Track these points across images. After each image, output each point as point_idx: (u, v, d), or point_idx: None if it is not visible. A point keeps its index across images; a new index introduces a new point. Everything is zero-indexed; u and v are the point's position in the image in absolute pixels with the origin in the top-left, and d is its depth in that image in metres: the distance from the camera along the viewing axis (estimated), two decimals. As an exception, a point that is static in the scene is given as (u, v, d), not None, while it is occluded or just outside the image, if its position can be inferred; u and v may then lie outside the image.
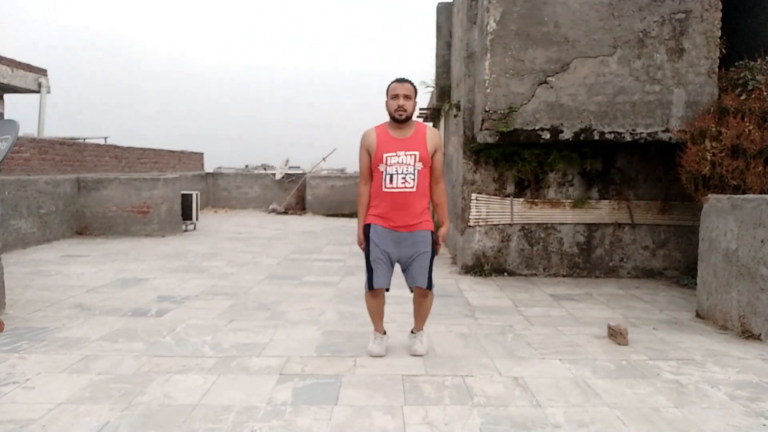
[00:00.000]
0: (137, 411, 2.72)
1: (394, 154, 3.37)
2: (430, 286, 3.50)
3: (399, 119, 3.39)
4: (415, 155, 3.37)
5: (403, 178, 3.35)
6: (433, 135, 3.49)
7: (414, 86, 3.45)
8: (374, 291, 3.55)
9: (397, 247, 3.45)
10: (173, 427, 2.56)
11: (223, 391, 2.98)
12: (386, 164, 3.37)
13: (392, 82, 3.45)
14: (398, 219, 3.40)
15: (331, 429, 2.57)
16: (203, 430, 2.54)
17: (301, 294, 5.28)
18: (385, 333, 3.69)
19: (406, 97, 3.37)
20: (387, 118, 3.51)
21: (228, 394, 2.94)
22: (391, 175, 3.36)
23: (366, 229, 3.50)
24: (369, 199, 3.53)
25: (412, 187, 3.36)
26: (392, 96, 3.39)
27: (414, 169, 3.36)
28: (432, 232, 3.49)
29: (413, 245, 3.43)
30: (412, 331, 3.73)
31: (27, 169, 9.48)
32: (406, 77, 3.47)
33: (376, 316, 3.67)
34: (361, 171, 3.57)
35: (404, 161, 3.36)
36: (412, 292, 3.61)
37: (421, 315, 3.67)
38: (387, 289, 3.58)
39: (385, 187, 3.38)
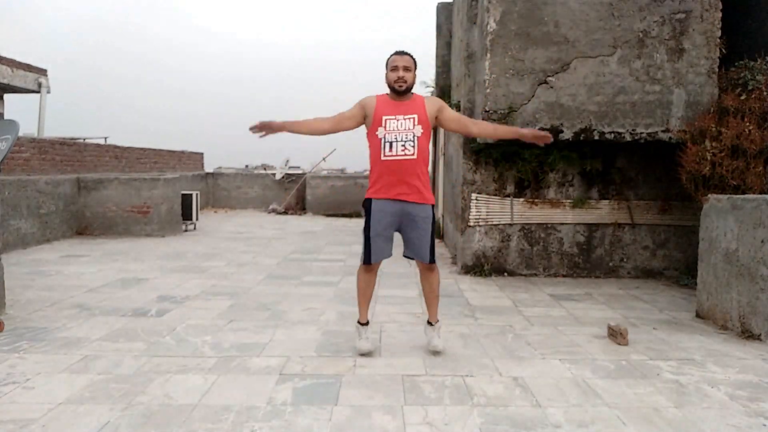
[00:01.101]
0: (137, 411, 2.72)
1: (393, 117, 3.36)
2: (432, 260, 3.51)
3: (399, 90, 3.39)
4: (414, 118, 3.36)
5: (403, 145, 3.33)
6: (430, 99, 3.53)
7: (413, 58, 3.46)
8: (370, 266, 3.53)
9: (399, 217, 3.43)
10: (173, 427, 2.56)
11: (223, 391, 2.98)
12: (385, 128, 3.34)
13: (391, 55, 3.45)
14: (400, 187, 3.37)
15: (331, 429, 2.57)
16: (203, 430, 2.54)
17: (301, 294, 5.28)
18: (368, 323, 3.67)
19: (406, 68, 3.37)
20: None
21: (228, 394, 2.94)
22: (390, 143, 3.33)
23: (367, 203, 3.48)
24: (318, 126, 3.46)
25: (413, 155, 3.34)
26: (392, 68, 3.40)
27: (413, 135, 3.33)
28: (433, 206, 3.50)
29: (414, 219, 3.42)
30: (428, 322, 3.71)
31: (27, 169, 9.48)
32: (405, 50, 3.47)
33: (364, 297, 3.64)
34: (339, 114, 3.48)
35: (403, 125, 3.34)
36: (406, 258, 3.62)
37: (432, 294, 3.66)
38: (388, 257, 3.56)
39: (384, 155, 3.34)
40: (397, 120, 3.36)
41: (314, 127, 3.50)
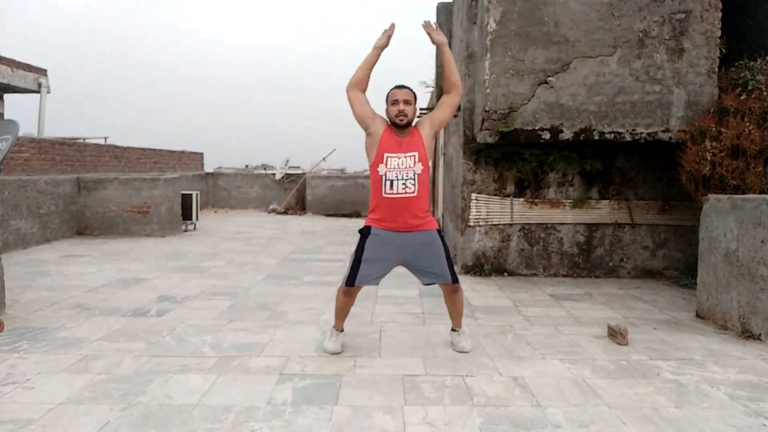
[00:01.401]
0: (137, 411, 2.72)
1: (395, 155, 3.37)
2: (455, 279, 3.51)
3: (400, 124, 3.40)
4: (414, 156, 3.38)
5: (404, 184, 3.34)
6: (421, 123, 3.53)
7: (413, 92, 3.47)
8: (350, 288, 3.51)
9: (401, 249, 3.42)
10: (173, 427, 2.56)
11: (223, 391, 2.98)
12: (386, 167, 3.36)
13: (391, 89, 3.48)
14: (400, 222, 3.38)
15: (331, 429, 2.57)
16: (203, 430, 2.54)
17: (301, 294, 5.29)
18: (342, 330, 3.67)
19: (406, 102, 3.39)
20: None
21: (228, 394, 2.94)
22: (391, 181, 3.35)
23: (365, 231, 3.47)
24: (362, 77, 3.46)
25: (413, 192, 3.36)
26: (392, 102, 3.42)
27: (414, 174, 3.35)
28: (438, 231, 3.49)
29: (420, 246, 3.42)
30: (453, 329, 3.74)
31: (27, 169, 9.48)
32: (404, 84, 3.49)
33: (342, 313, 3.64)
34: (366, 101, 3.48)
35: (404, 164, 3.36)
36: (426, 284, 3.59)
37: (456, 311, 3.69)
38: (374, 284, 3.55)
39: (385, 193, 3.36)
40: (399, 158, 3.37)
41: (362, 76, 3.47)
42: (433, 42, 3.55)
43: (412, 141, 3.43)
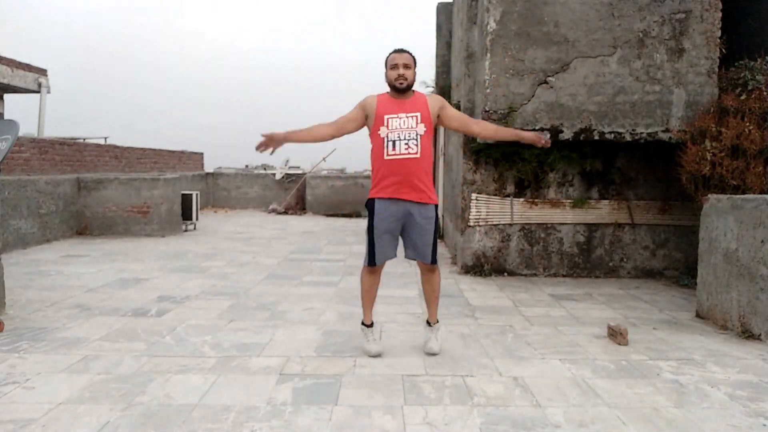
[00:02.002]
0: (137, 411, 2.72)
1: (396, 115, 3.34)
2: (434, 260, 3.50)
3: (400, 88, 3.36)
4: (416, 116, 3.34)
5: (406, 143, 3.30)
6: (432, 97, 3.51)
7: (413, 56, 3.43)
8: (373, 267, 3.50)
9: (402, 218, 3.40)
10: (173, 427, 2.56)
11: (223, 391, 2.98)
12: (387, 127, 3.32)
13: (390, 53, 3.43)
14: (404, 187, 3.34)
15: (331, 429, 2.57)
16: (203, 430, 2.54)
17: (301, 294, 5.28)
18: (372, 324, 3.65)
19: (406, 66, 3.35)
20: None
21: (228, 394, 2.94)
22: (393, 141, 3.31)
23: (370, 203, 3.45)
24: (321, 132, 3.44)
25: (416, 153, 3.31)
26: (391, 66, 3.38)
27: (416, 134, 3.32)
28: (436, 206, 3.49)
29: (417, 220, 3.40)
30: (427, 322, 3.69)
31: (27, 169, 9.49)
32: (404, 48, 3.46)
33: (369, 297, 3.62)
34: (340, 118, 3.46)
35: (406, 124, 3.32)
36: (407, 258, 3.59)
37: (432, 294, 3.64)
38: (392, 258, 3.53)
39: (387, 154, 3.32)
40: (400, 118, 3.34)
41: (317, 133, 3.47)
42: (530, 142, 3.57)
43: (414, 103, 3.40)
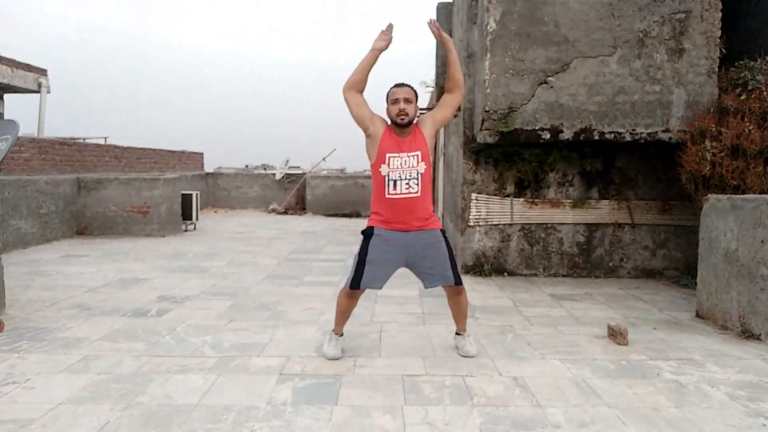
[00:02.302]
0: (137, 411, 2.72)
1: (397, 155, 3.33)
2: (459, 281, 3.45)
3: (401, 123, 3.35)
4: (417, 155, 3.34)
5: (407, 183, 3.30)
6: (423, 121, 3.48)
7: (414, 90, 3.42)
8: (354, 291, 3.44)
9: (405, 250, 3.37)
10: (173, 427, 2.56)
11: (223, 391, 2.98)
12: (389, 166, 3.32)
13: (391, 88, 3.42)
14: (404, 222, 3.34)
15: (331, 429, 2.57)
16: (203, 430, 2.54)
17: (301, 294, 5.29)
18: (342, 335, 3.61)
19: (407, 100, 3.33)
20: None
21: (228, 394, 2.94)
22: (395, 181, 3.30)
23: (369, 230, 3.42)
24: (359, 79, 3.38)
25: (417, 192, 3.32)
26: (392, 101, 3.36)
27: (417, 173, 3.32)
28: (442, 231, 3.46)
29: (423, 247, 3.37)
30: (457, 333, 3.68)
31: (27, 169, 9.49)
32: (404, 82, 3.44)
33: (343, 317, 3.59)
34: (364, 103, 3.41)
35: (407, 163, 3.32)
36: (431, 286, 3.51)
37: (461, 314, 3.62)
38: (380, 287, 3.49)
39: (389, 194, 3.32)
40: (401, 158, 3.33)
41: (359, 78, 3.39)
42: (439, 40, 3.47)
43: (414, 140, 3.38)
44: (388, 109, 3.40)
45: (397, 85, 3.41)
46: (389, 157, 3.34)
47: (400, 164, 3.33)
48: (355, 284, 3.40)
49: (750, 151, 4.86)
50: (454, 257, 3.52)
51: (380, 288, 3.49)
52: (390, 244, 3.36)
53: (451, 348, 3.72)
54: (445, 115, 3.54)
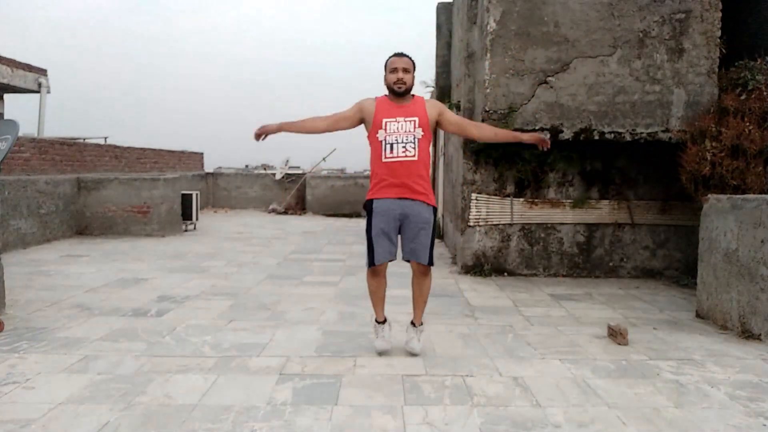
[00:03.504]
0: (137, 411, 2.72)
1: (394, 119, 3.35)
2: (431, 262, 3.49)
3: (398, 92, 3.37)
4: (414, 120, 3.35)
5: (404, 147, 3.32)
6: (431, 102, 3.53)
7: (412, 60, 3.44)
8: (376, 268, 3.49)
9: (401, 218, 3.40)
10: (173, 427, 2.56)
11: (223, 391, 2.98)
12: (385, 131, 3.34)
13: (390, 57, 3.44)
14: (402, 188, 3.35)
15: (331, 429, 2.57)
16: (203, 430, 2.54)
17: (301, 294, 5.28)
18: (385, 321, 3.64)
19: (405, 70, 3.36)
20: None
21: (228, 394, 2.94)
22: (391, 144, 3.32)
23: (368, 204, 3.46)
24: (314, 125, 3.50)
25: (413, 156, 3.33)
26: (391, 70, 3.39)
27: (414, 138, 3.33)
28: (435, 208, 3.48)
29: (415, 220, 3.39)
30: (412, 323, 3.66)
31: (27, 169, 9.48)
32: (403, 52, 3.46)
33: (377, 298, 3.62)
34: (335, 114, 3.50)
35: (404, 128, 3.34)
36: (408, 262, 3.56)
37: (421, 298, 3.62)
38: (392, 259, 3.51)
39: (385, 157, 3.34)
40: (398, 122, 3.35)
41: (310, 126, 3.52)
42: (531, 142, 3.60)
43: (412, 107, 3.41)
44: (386, 76, 3.43)
45: (396, 55, 3.44)
46: (386, 122, 3.36)
47: (397, 128, 3.34)
48: (372, 261, 3.46)
49: (750, 151, 4.86)
50: (434, 241, 3.54)
51: (394, 258, 3.50)
52: (388, 212, 3.39)
53: (451, 348, 3.72)
54: (450, 128, 3.61)
